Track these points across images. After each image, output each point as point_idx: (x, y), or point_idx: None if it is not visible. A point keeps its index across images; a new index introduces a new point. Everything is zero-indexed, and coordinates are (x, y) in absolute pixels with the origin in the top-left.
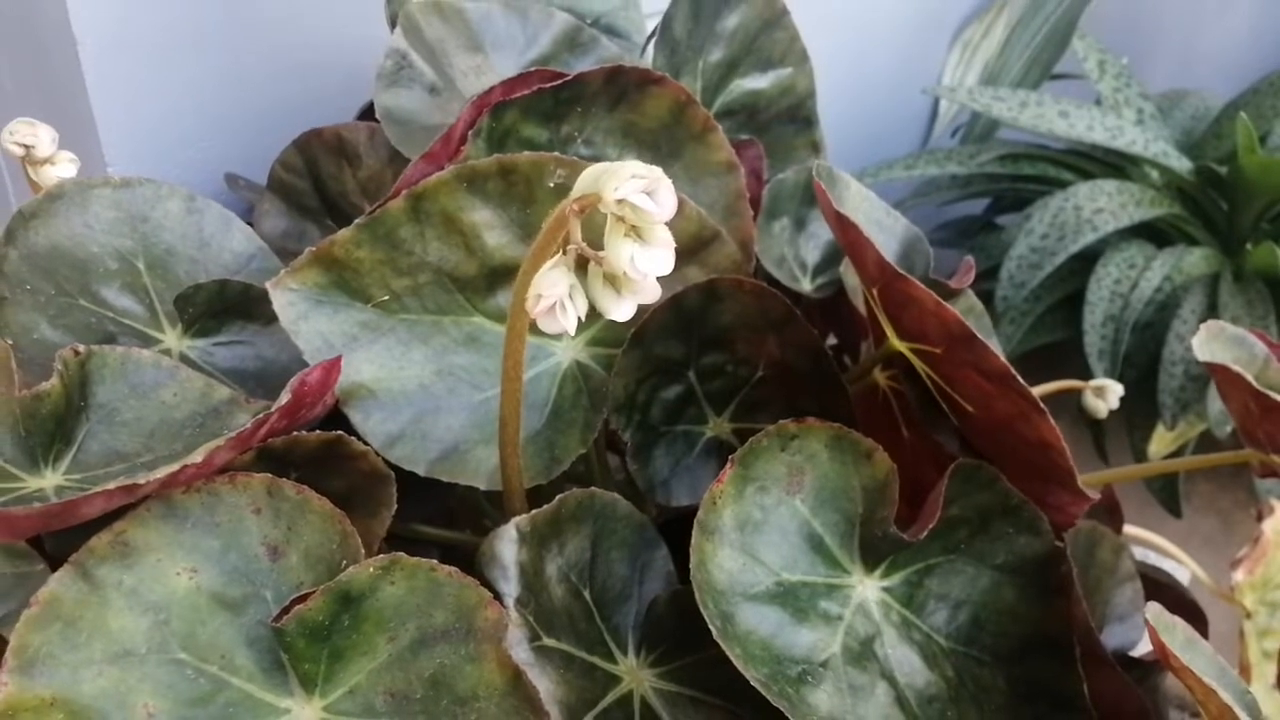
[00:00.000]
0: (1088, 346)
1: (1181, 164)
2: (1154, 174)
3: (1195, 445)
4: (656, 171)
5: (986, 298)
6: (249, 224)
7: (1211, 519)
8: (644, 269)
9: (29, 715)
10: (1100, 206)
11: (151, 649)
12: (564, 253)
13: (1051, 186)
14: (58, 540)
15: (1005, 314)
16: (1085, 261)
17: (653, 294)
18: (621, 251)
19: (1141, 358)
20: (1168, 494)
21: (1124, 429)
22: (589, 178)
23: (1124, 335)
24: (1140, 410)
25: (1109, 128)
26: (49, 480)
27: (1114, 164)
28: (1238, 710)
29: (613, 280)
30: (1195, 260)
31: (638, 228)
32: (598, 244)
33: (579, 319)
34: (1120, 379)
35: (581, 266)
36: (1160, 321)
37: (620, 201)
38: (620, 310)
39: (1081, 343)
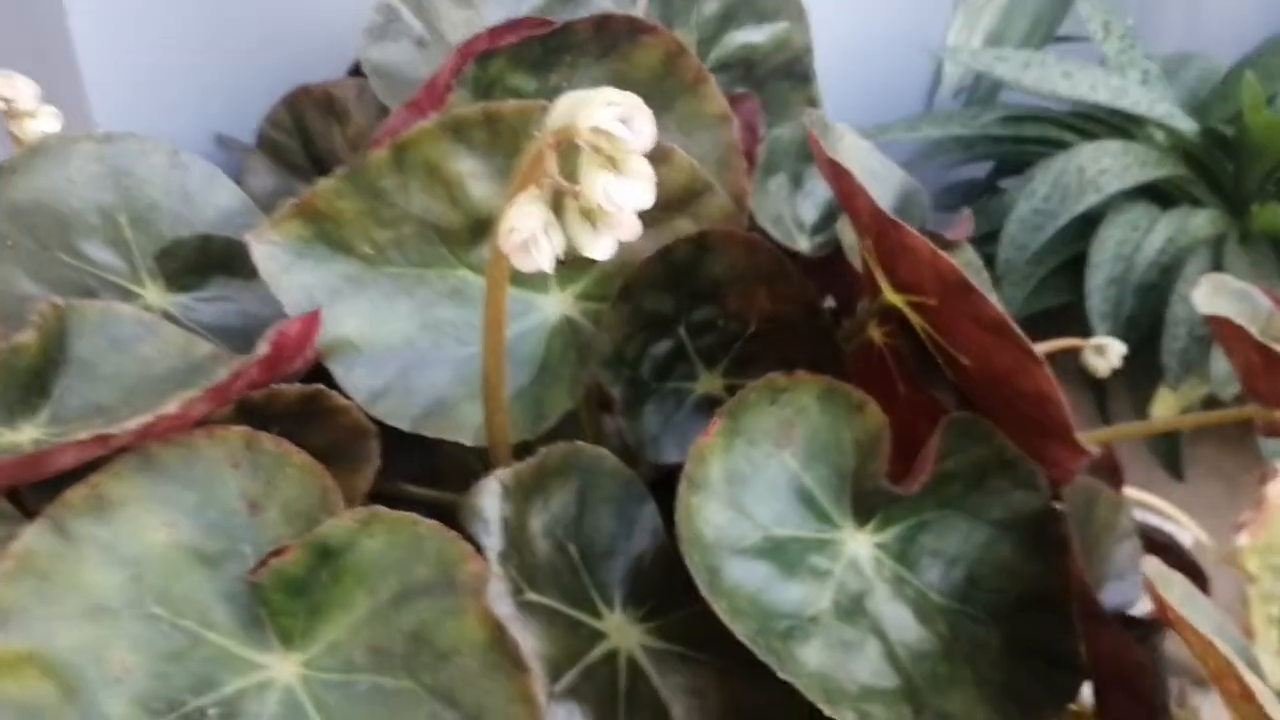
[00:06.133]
0: (1090, 309)
1: (1187, 125)
2: (1159, 135)
3: (1198, 409)
4: (633, 99)
5: (988, 260)
6: (239, 183)
7: (1216, 483)
8: (620, 201)
9: (3, 670)
10: (1104, 167)
11: (127, 604)
12: (539, 187)
13: (1055, 148)
14: (39, 496)
15: (1007, 277)
16: (1088, 224)
17: (632, 230)
18: (596, 183)
19: (1145, 320)
20: (1170, 457)
21: (1127, 392)
22: (563, 108)
23: (1127, 297)
24: (1143, 373)
25: (1113, 88)
26: (25, 434)
27: (1118, 125)
28: (1236, 664)
29: (589, 215)
30: (1200, 222)
31: (614, 158)
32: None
33: (557, 258)
34: (1123, 341)
35: (560, 203)
36: (1164, 283)
37: (595, 130)
38: (598, 247)
39: (1084, 306)
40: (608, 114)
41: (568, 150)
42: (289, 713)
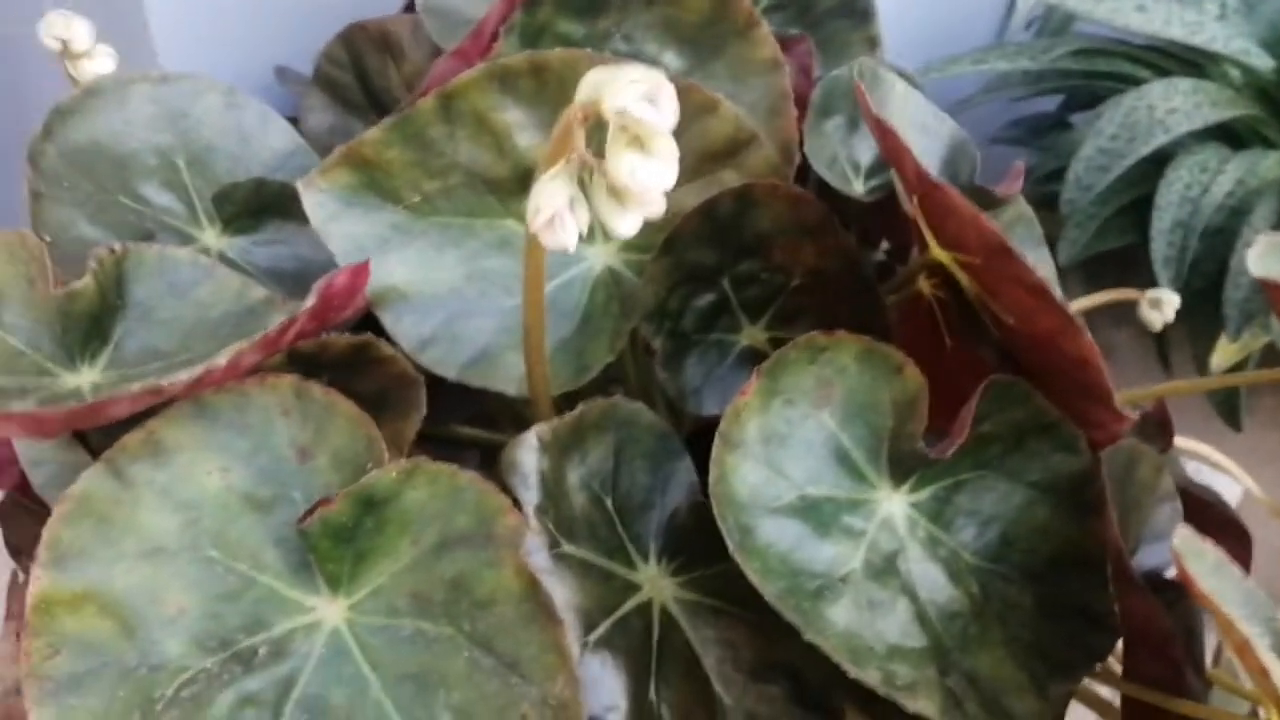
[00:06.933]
0: (1154, 253)
1: (1263, 62)
2: (1234, 73)
3: (1260, 358)
4: (658, 77)
5: (1053, 200)
6: (298, 120)
7: (1274, 434)
8: (645, 182)
9: (62, 609)
10: (1174, 106)
11: (183, 546)
12: (567, 161)
13: (1127, 84)
14: (103, 436)
15: (1071, 217)
16: (1156, 164)
17: (658, 208)
18: (622, 163)
19: (1210, 265)
20: (1228, 407)
21: (1189, 338)
22: (589, 84)
23: (1192, 242)
24: (1205, 319)
25: (1187, 23)
26: (85, 377)
27: (1193, 61)
28: (1256, 645)
29: (616, 193)
30: (1271, 164)
31: (640, 138)
32: None
33: (581, 233)
34: (1186, 287)
35: (588, 176)
36: (1231, 228)
37: (620, 110)
38: (624, 225)
39: (1148, 249)
40: (631, 93)
41: (600, 121)
42: (335, 654)
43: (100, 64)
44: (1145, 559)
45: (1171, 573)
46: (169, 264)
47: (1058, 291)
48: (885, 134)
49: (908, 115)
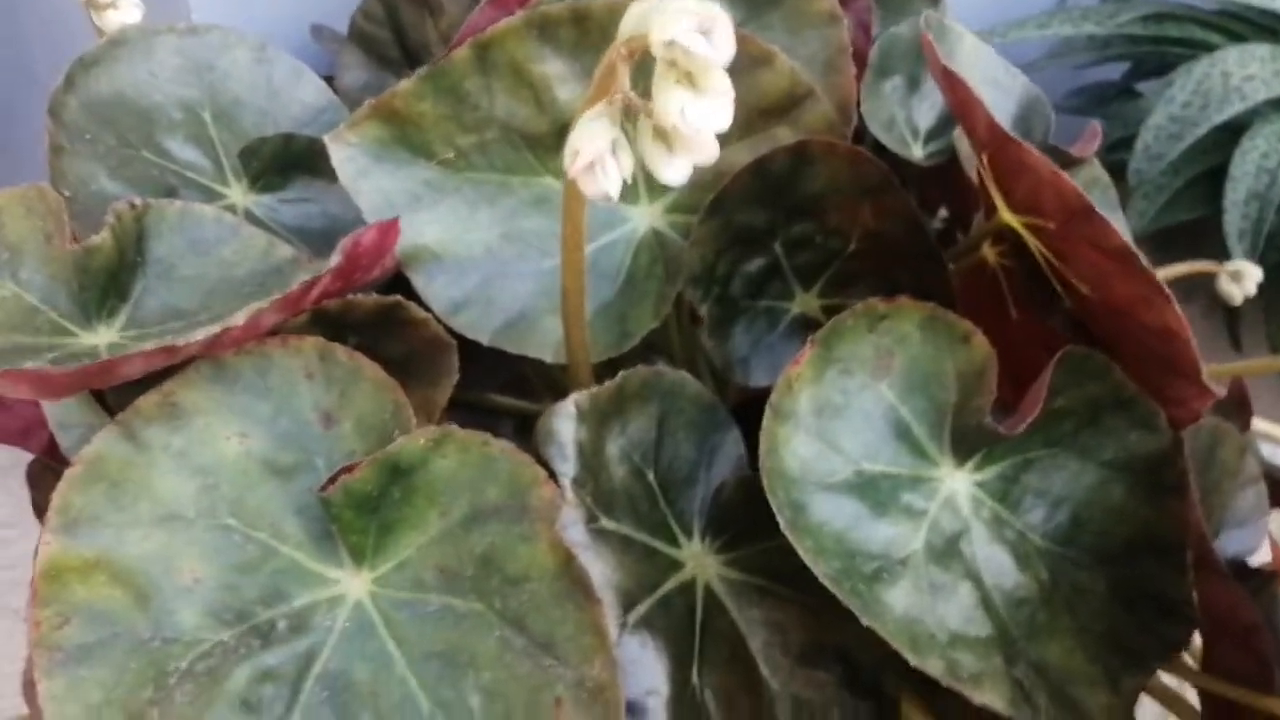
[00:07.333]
0: (1227, 225)
1: None
2: None
3: None
4: (713, 8)
5: (1119, 169)
6: (333, 77)
7: None
8: (697, 122)
9: (72, 576)
10: (1251, 73)
11: (199, 513)
12: (609, 103)
13: (1198, 50)
14: (119, 395)
15: (1139, 188)
16: (1230, 133)
17: (710, 153)
18: (671, 101)
19: None
20: None
21: (1262, 314)
22: (635, 16)
23: (1268, 214)
24: None
25: None
26: (103, 336)
27: (1269, 27)
28: None
29: (663, 136)
30: None
31: (691, 74)
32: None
33: (624, 180)
34: (1261, 261)
35: (633, 119)
36: None
37: (669, 43)
38: (672, 171)
39: (1220, 221)
40: (684, 25)
41: (645, 60)
42: (359, 629)
43: (126, 14)
44: (1226, 545)
45: (1256, 560)
46: (191, 220)
47: (1141, 256)
48: (955, 85)
49: (978, 69)
